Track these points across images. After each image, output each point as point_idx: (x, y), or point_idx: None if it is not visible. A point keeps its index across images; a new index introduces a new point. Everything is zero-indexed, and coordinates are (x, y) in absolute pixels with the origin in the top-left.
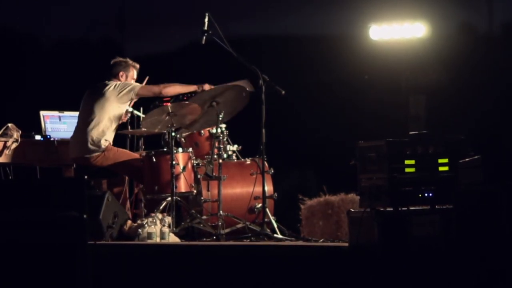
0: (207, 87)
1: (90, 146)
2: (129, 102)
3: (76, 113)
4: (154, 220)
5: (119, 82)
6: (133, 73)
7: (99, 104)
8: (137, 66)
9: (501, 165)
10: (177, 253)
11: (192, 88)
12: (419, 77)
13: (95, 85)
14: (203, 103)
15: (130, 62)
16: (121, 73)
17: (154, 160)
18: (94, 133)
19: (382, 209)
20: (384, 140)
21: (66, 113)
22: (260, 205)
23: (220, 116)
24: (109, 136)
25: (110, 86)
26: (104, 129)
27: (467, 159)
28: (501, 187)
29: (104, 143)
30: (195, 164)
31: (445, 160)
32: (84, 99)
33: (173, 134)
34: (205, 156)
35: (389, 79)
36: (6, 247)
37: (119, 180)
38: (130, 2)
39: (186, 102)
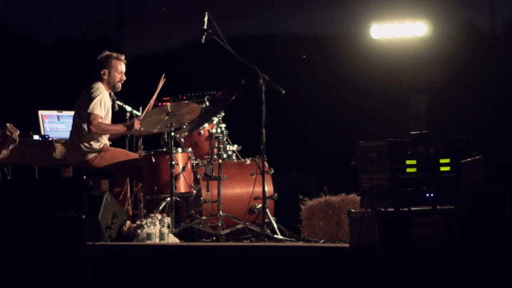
0: (136, 124)
1: (84, 150)
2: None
3: None
4: (153, 221)
5: (94, 92)
6: (120, 66)
7: (85, 107)
8: (122, 57)
9: (504, 165)
10: (176, 254)
11: (121, 129)
12: (421, 76)
13: (86, 86)
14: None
15: (114, 55)
16: (102, 72)
17: (153, 160)
18: (85, 138)
19: (383, 210)
20: (385, 140)
21: (65, 113)
22: (260, 205)
23: (220, 115)
24: (102, 137)
25: (90, 91)
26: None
27: (469, 159)
28: (506, 187)
29: (98, 145)
30: (194, 164)
31: (447, 160)
32: (78, 101)
33: (172, 134)
34: (205, 156)
35: (390, 78)
36: (4, 248)
37: (120, 180)
38: (128, 1)
39: (186, 102)
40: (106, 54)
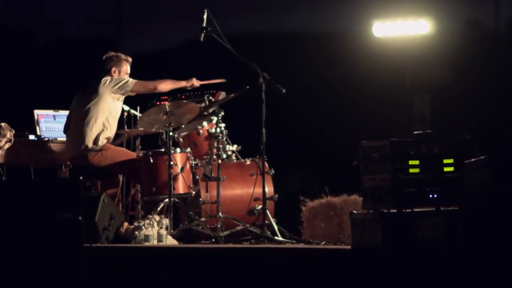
0: (195, 82)
1: (88, 144)
2: (123, 97)
3: None
4: (152, 222)
5: (112, 77)
6: (126, 67)
7: (94, 102)
8: (130, 59)
9: (507, 165)
10: (175, 256)
11: (182, 84)
12: (424, 75)
13: (89, 83)
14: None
15: (123, 56)
16: (113, 69)
17: (152, 160)
18: (93, 132)
19: (385, 211)
20: (388, 139)
21: (61, 112)
22: (260, 206)
23: (220, 115)
24: (108, 134)
25: (103, 83)
26: (102, 127)
27: (473, 159)
28: (510, 188)
29: (102, 142)
30: (193, 165)
31: (450, 161)
32: (78, 97)
33: (170, 133)
34: (204, 156)
35: (392, 77)
36: (1, 248)
37: (114, 182)
38: (127, 0)
39: (184, 101)
40: (116, 54)
